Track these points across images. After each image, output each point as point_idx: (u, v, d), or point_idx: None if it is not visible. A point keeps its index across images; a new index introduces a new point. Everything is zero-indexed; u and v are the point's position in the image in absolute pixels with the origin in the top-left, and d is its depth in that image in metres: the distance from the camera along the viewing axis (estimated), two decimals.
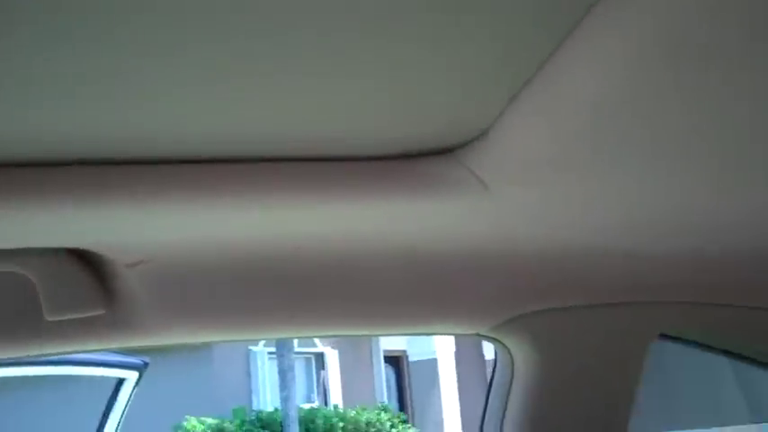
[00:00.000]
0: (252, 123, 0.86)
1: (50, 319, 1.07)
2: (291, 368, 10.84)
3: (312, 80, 0.78)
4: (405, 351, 14.94)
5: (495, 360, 1.39)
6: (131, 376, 4.07)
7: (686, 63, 0.71)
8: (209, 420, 10.89)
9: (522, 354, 1.30)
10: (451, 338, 13.68)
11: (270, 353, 12.42)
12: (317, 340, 13.28)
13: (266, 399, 12.62)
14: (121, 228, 0.99)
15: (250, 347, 12.78)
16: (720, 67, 0.72)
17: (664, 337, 1.42)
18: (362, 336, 1.40)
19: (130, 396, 4.09)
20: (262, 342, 12.51)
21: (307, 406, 12.24)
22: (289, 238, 1.07)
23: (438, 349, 14.37)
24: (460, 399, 14.16)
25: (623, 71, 0.73)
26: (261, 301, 1.15)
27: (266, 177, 0.95)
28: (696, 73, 0.73)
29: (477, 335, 1.30)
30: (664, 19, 0.66)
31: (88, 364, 4.00)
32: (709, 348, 1.56)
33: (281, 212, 1.00)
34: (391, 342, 14.16)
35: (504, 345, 1.32)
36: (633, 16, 0.67)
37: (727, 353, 1.57)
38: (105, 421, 4.04)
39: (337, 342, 13.62)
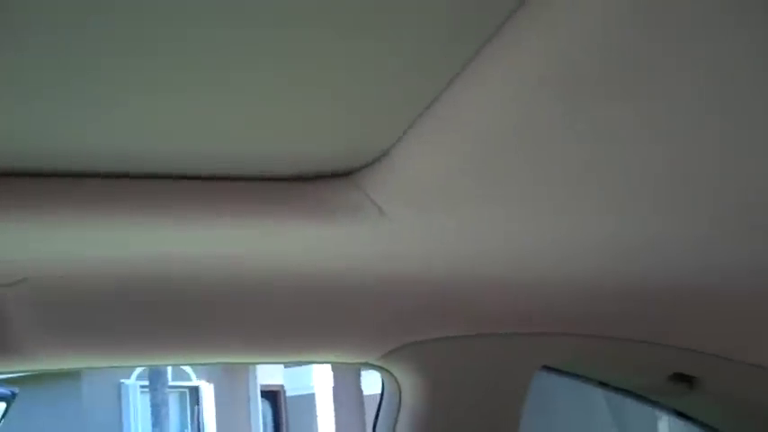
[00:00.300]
0: (141, 140, 0.84)
1: None
2: (165, 403, 10.55)
3: (207, 98, 0.76)
4: (282, 385, 14.76)
5: (383, 390, 1.38)
6: None
7: (581, 94, 0.74)
8: None
9: (409, 383, 1.30)
10: (329, 372, 13.61)
11: (142, 386, 12.05)
12: (192, 373, 12.96)
13: None
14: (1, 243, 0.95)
15: (122, 380, 12.37)
16: (615, 98, 0.75)
17: (546, 368, 1.45)
18: (251, 363, 1.37)
19: None
20: (134, 375, 12.13)
21: None
22: (180, 258, 1.04)
23: (316, 384, 14.27)
24: None
25: (520, 101, 0.75)
26: (149, 325, 1.11)
27: (157, 195, 0.92)
28: (590, 104, 0.76)
29: (366, 364, 1.30)
30: (559, 53, 0.68)
31: None
32: (586, 380, 1.60)
33: (172, 231, 0.97)
34: (268, 376, 13.97)
35: (391, 374, 1.31)
36: (530, 48, 0.68)
37: (603, 384, 1.62)
38: None
39: (213, 375, 13.34)
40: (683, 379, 1.48)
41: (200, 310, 1.12)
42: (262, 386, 14.27)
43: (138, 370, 11.39)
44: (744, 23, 0.63)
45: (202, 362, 1.24)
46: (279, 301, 1.15)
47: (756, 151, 0.84)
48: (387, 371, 1.32)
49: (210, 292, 1.11)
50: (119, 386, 12.27)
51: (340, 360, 1.29)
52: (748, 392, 1.48)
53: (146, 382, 11.42)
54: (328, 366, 10.84)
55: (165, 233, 0.97)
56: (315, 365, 11.67)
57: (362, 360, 1.28)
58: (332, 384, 14.30)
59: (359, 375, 13.05)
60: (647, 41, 0.65)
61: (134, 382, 12.24)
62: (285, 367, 13.53)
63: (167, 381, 11.15)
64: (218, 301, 1.12)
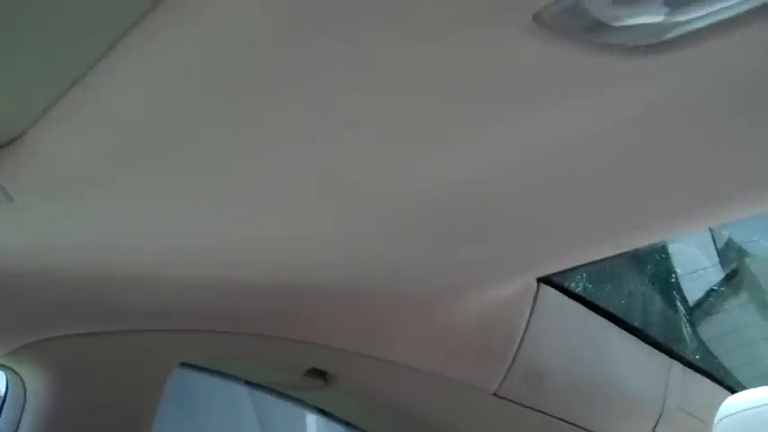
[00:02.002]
0: None
1: None
2: None
3: None
4: None
5: (6, 393, 1.28)
6: None
7: (230, 93, 0.72)
8: None
9: (36, 384, 1.22)
10: None
11: None
12: None
13: None
14: None
15: None
16: (263, 97, 0.74)
17: (185, 365, 1.43)
18: None
19: None
20: None
21: None
22: None
23: None
24: None
25: (163, 95, 0.73)
26: None
27: None
28: (239, 103, 0.75)
29: None
30: (202, 49, 0.67)
31: None
32: (228, 377, 1.61)
33: None
34: None
35: (17, 374, 1.22)
36: (171, 42, 0.66)
37: (245, 381, 1.63)
38: None
39: None
40: (319, 374, 1.53)
41: None
42: None
43: None
44: (387, 28, 0.64)
45: None
46: None
47: (410, 151, 0.86)
48: (11, 370, 1.22)
49: None
50: None
51: None
52: (379, 387, 1.56)
53: None
54: None
55: None
56: None
57: None
58: None
59: None
60: (287, 41, 0.65)
61: None
62: None
63: None
64: None
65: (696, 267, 5.90)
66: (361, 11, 0.61)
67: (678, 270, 5.96)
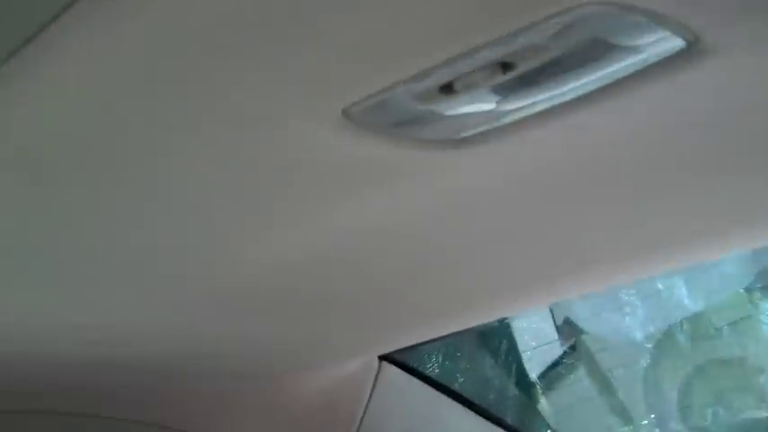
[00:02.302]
0: None
1: None
2: None
3: None
4: None
5: None
6: None
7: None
8: None
9: None
10: None
11: None
12: None
13: None
14: None
15: None
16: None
17: None
18: None
19: None
20: None
21: None
22: None
23: None
24: None
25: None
26: None
27: None
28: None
29: None
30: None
31: None
32: None
33: None
34: None
35: None
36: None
37: None
38: None
39: None
40: None
41: None
42: None
43: None
44: (211, 117, 0.64)
45: None
46: None
47: (237, 231, 0.85)
48: None
49: None
50: None
51: None
52: None
53: None
54: None
55: None
56: None
57: None
58: None
59: None
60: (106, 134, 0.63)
61: None
62: None
63: None
64: None
65: (538, 343, 6.10)
66: (179, 104, 0.63)
67: (520, 346, 6.14)
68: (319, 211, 0.82)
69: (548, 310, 5.86)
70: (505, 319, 5.61)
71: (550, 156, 0.76)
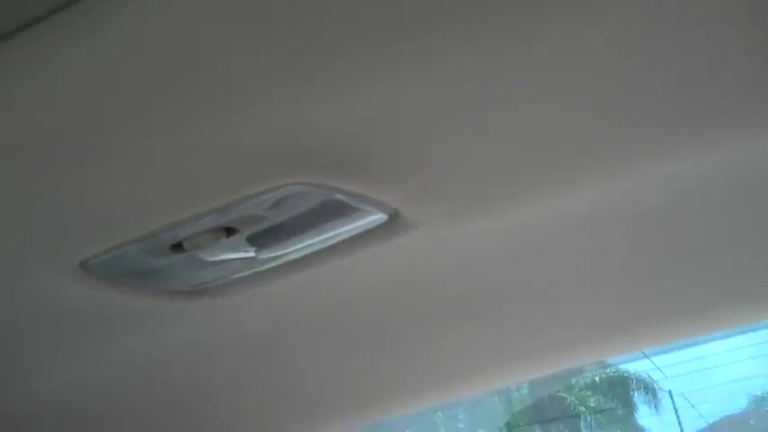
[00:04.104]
0: None
1: None
2: None
3: None
4: None
5: None
6: None
7: None
8: None
9: None
10: None
11: None
12: None
13: None
14: None
15: None
16: None
17: None
18: None
19: None
20: None
21: None
22: None
23: None
24: None
25: None
26: None
27: None
28: None
29: None
30: None
31: None
32: None
33: None
34: None
35: None
36: None
37: None
38: None
39: None
40: None
41: None
42: None
43: None
44: None
45: None
46: None
47: None
48: None
49: None
50: None
51: None
52: None
53: None
54: None
55: None
56: None
57: None
58: None
59: None
60: None
61: None
62: None
63: None
64: None
65: None
66: None
67: None
68: (67, 354, 0.84)
69: None
70: None
71: (282, 309, 0.82)
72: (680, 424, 15.59)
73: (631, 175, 0.70)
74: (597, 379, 15.20)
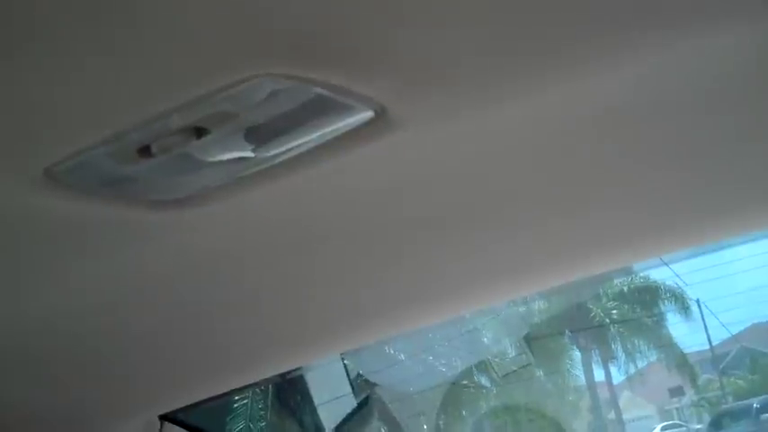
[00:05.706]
0: None
1: None
2: None
3: None
4: None
5: None
6: None
7: None
8: None
9: None
10: None
11: None
12: None
13: None
14: None
15: None
16: None
17: None
18: None
19: None
20: None
21: None
22: None
23: None
24: None
25: None
26: None
27: None
28: None
29: None
30: None
31: None
32: None
33: None
34: None
35: None
36: None
37: None
38: None
39: None
40: None
41: None
42: None
43: None
44: None
45: None
46: None
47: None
48: None
49: None
50: None
51: None
52: None
53: None
54: None
55: None
56: None
57: None
58: None
59: None
60: None
61: None
62: None
63: None
64: None
65: (333, 395, 6.16)
66: None
67: (316, 399, 6.15)
68: (42, 270, 0.80)
69: (341, 364, 5.92)
70: (299, 372, 5.59)
71: (267, 220, 0.78)
72: (707, 332, 15.76)
73: (646, 62, 0.64)
74: (626, 289, 15.22)
